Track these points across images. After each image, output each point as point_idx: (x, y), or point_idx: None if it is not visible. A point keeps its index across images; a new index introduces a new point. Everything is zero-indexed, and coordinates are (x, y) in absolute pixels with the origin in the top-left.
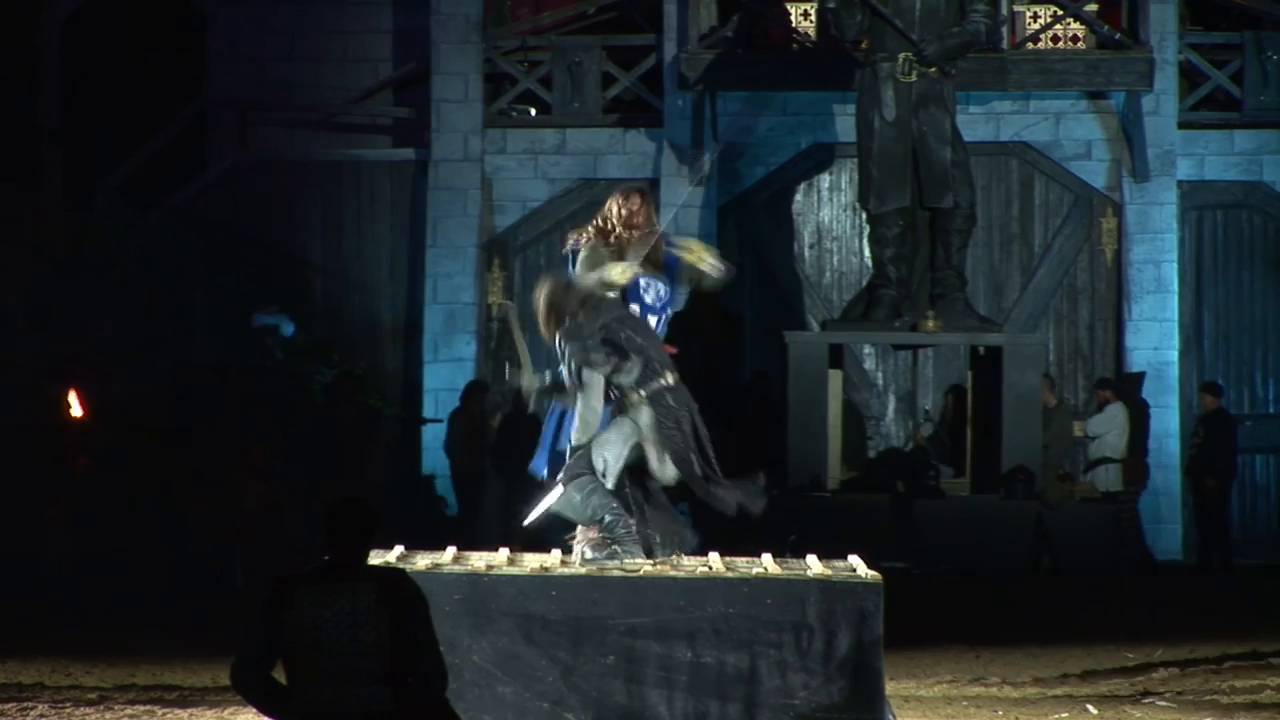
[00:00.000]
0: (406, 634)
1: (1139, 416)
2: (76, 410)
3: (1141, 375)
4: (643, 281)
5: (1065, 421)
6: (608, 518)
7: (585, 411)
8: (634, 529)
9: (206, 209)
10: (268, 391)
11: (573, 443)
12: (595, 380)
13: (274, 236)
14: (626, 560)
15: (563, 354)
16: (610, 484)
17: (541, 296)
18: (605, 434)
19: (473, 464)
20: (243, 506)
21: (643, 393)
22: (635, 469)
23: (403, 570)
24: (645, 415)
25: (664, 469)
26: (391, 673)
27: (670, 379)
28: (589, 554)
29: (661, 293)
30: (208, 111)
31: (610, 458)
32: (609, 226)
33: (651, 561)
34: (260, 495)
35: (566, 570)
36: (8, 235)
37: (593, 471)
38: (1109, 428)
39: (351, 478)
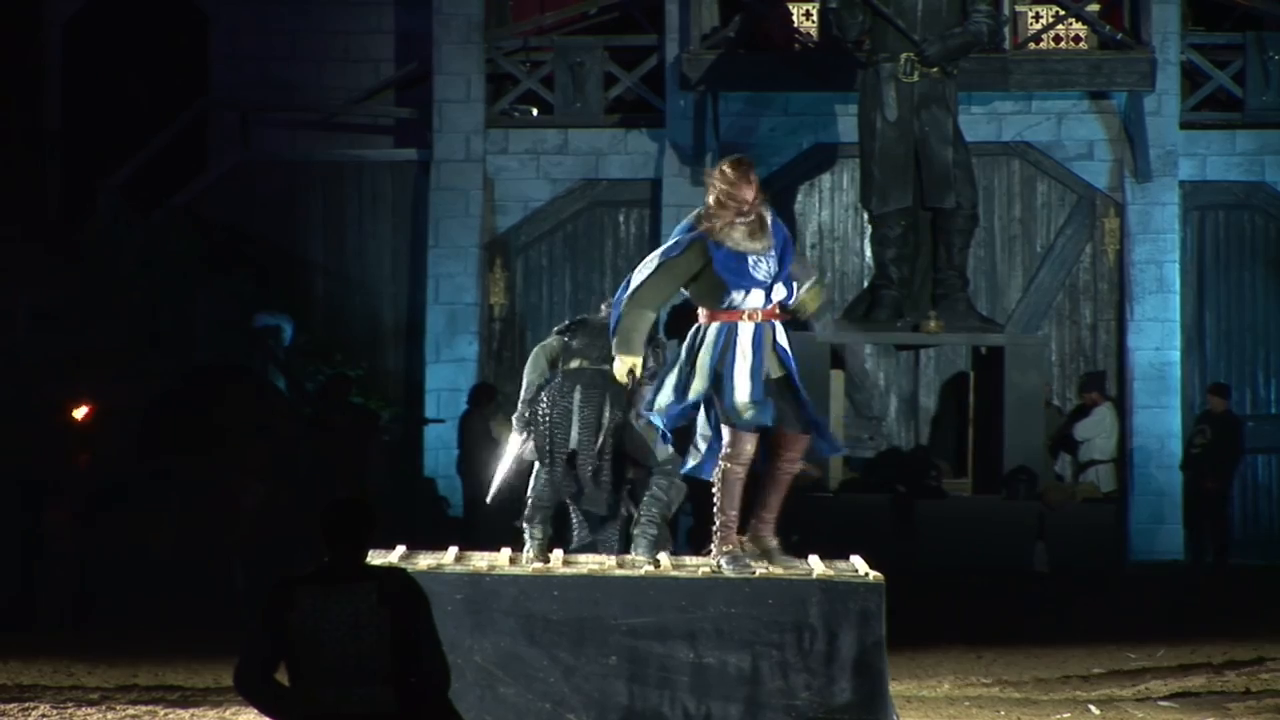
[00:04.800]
0: (408, 634)
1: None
2: (78, 411)
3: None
4: (751, 259)
5: (1051, 422)
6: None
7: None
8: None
9: (208, 209)
10: (269, 392)
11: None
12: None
13: (275, 237)
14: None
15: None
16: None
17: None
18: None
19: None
20: (243, 507)
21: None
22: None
23: (404, 570)
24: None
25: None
26: (394, 673)
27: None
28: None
29: (772, 268)
30: (209, 112)
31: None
32: (722, 201)
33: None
34: (260, 496)
35: (568, 570)
36: (9, 235)
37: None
38: (1096, 431)
39: (348, 481)
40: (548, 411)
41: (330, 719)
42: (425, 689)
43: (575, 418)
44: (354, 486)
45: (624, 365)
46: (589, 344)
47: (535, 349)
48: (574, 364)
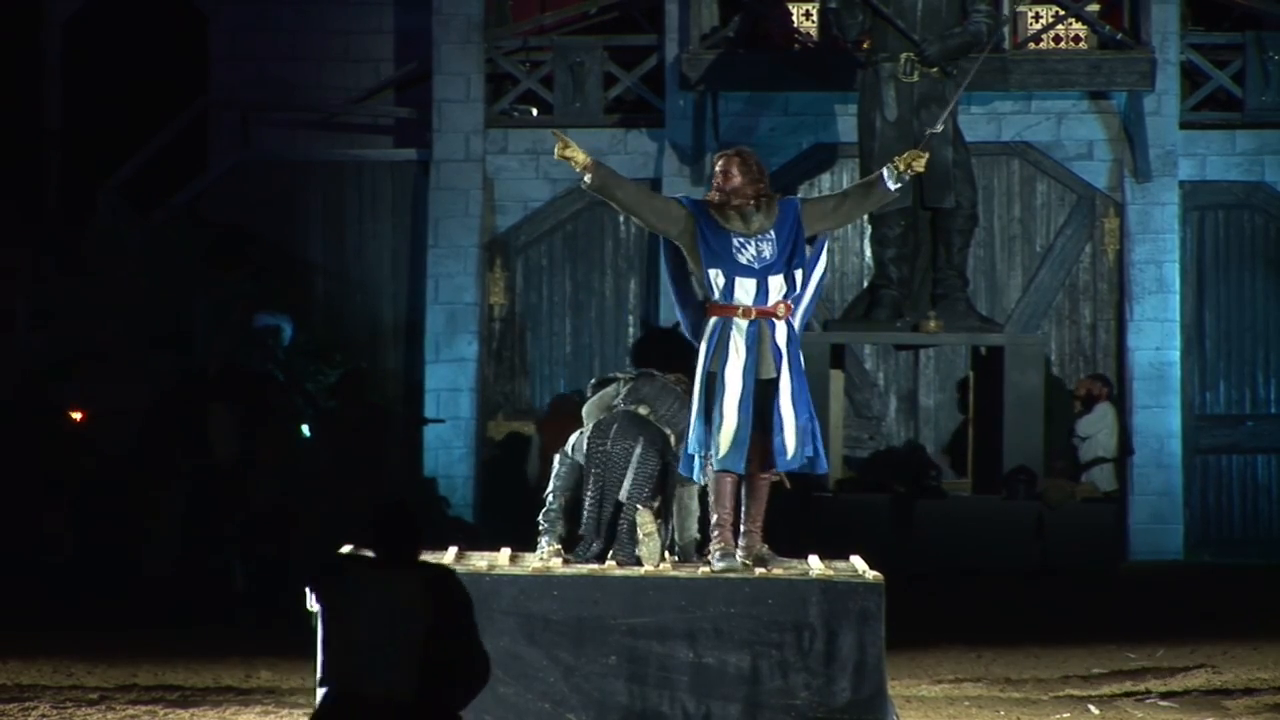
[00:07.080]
0: (445, 631)
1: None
2: (78, 412)
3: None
4: (736, 240)
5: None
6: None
7: None
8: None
9: (208, 209)
10: (275, 390)
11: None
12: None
13: (275, 237)
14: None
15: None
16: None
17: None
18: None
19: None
20: (245, 506)
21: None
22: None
23: (453, 570)
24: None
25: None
26: (419, 664)
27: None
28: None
29: (765, 253)
30: (209, 111)
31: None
32: (717, 194)
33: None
34: (265, 494)
35: (568, 570)
36: (9, 236)
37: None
38: (1098, 428)
39: (366, 476)
40: (608, 447)
41: (346, 696)
42: (459, 682)
43: (631, 468)
44: (371, 482)
45: (572, 149)
46: (658, 398)
47: (595, 397)
48: (642, 410)
